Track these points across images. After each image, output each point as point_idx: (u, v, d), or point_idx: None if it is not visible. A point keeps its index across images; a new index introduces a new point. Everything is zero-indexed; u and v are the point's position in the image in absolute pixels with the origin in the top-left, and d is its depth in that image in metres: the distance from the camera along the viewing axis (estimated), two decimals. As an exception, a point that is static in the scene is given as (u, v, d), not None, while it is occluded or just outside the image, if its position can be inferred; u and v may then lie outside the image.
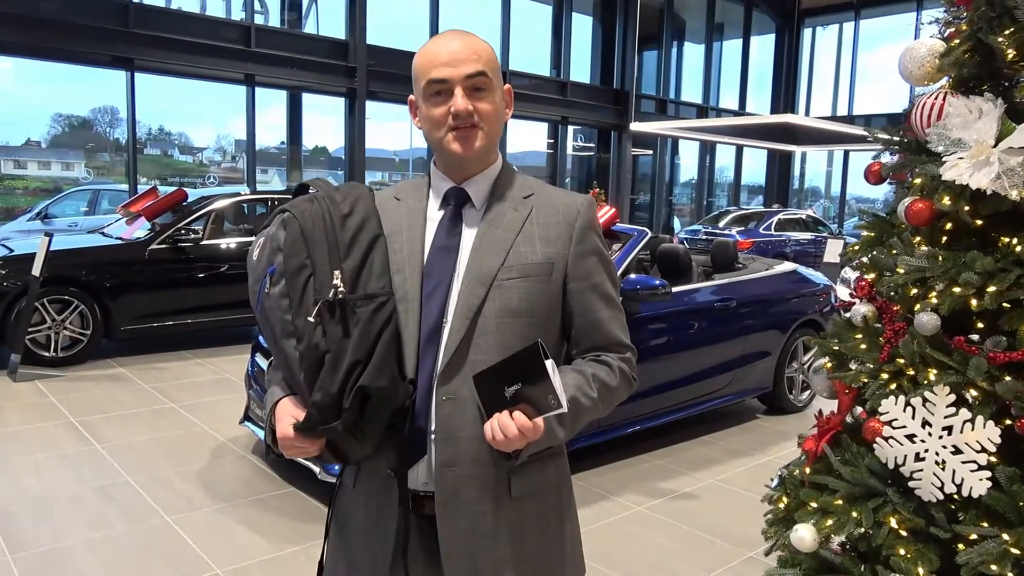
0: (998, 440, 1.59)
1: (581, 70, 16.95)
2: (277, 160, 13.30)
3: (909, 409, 1.72)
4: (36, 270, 5.47)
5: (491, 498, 1.25)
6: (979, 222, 1.78)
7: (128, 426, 4.60)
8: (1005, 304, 1.66)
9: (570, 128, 16.51)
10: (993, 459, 1.60)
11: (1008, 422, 1.63)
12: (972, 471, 1.62)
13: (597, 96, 16.75)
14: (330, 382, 1.16)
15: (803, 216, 14.20)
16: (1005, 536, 1.56)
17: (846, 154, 20.67)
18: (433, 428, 1.23)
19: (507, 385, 1.14)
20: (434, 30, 13.29)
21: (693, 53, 19.98)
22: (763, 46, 21.36)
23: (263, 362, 3.91)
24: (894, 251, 1.95)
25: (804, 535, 1.90)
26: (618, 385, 1.32)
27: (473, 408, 1.20)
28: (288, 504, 3.54)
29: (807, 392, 5.42)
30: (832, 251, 10.19)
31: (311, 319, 1.18)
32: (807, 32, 21.69)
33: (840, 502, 1.88)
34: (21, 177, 11.74)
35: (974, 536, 1.66)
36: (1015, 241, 1.69)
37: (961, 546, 1.66)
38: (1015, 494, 1.59)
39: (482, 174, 1.33)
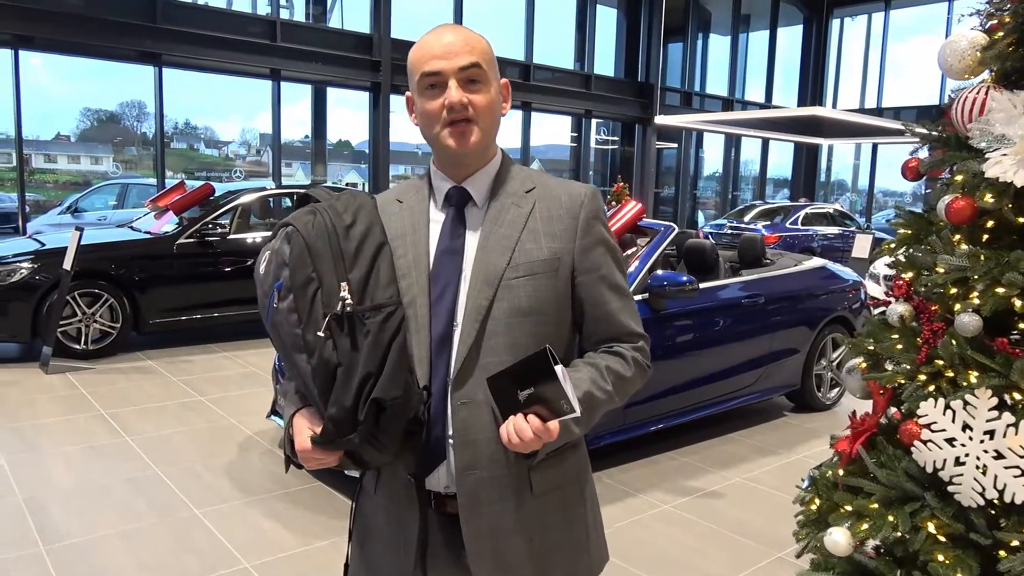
0: (1043, 445, 1.55)
1: (605, 63, 16.84)
2: (301, 154, 13.40)
3: (949, 412, 1.68)
4: (67, 264, 5.55)
5: (513, 497, 1.25)
6: (1022, 220, 1.73)
7: (157, 419, 4.66)
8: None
9: (593, 121, 16.41)
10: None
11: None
12: (1015, 476, 1.58)
13: (621, 89, 16.63)
14: (344, 395, 1.16)
15: (830, 210, 14.00)
16: (1049, 544, 1.52)
17: (874, 147, 20.35)
18: (450, 432, 1.23)
19: (520, 388, 1.13)
20: (457, 22, 13.28)
21: (719, 45, 19.77)
22: (790, 37, 21.07)
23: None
24: (933, 250, 1.91)
25: (838, 538, 1.86)
26: (633, 375, 1.31)
27: (489, 411, 1.20)
28: (315, 498, 3.56)
29: (836, 390, 5.35)
30: (861, 246, 10.03)
31: (321, 333, 1.18)
32: (835, 23, 21.35)
33: (875, 505, 1.84)
34: (51, 171, 11.94)
35: (1015, 543, 1.62)
36: (1061, 240, 1.64)
37: (1002, 553, 1.62)
38: (1059, 501, 1.55)
39: (482, 171, 1.32)
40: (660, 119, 15.52)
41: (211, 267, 6.62)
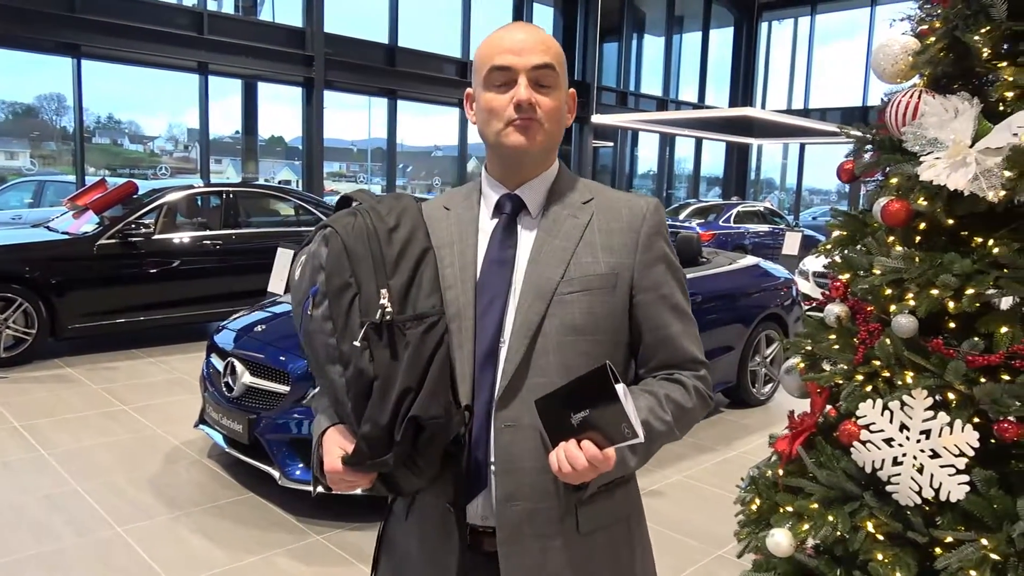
0: (976, 444, 1.57)
1: (542, 61, 16.89)
2: (231, 150, 12.98)
3: (887, 413, 1.69)
4: (-24, 267, 5.21)
5: (558, 533, 1.15)
6: (950, 222, 1.76)
7: (76, 430, 4.41)
8: (976, 305, 1.64)
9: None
10: (968, 463, 1.58)
11: (976, 421, 1.61)
12: (950, 475, 1.60)
13: (558, 87, 16.69)
14: (379, 412, 1.06)
15: (760, 208, 14.38)
16: (984, 541, 1.55)
17: (802, 147, 21.01)
18: (492, 458, 1.14)
19: (573, 411, 1.02)
20: (394, 19, 13.09)
21: (653, 46, 20.08)
22: (722, 39, 21.58)
23: (219, 363, 3.77)
24: (868, 251, 1.94)
25: (780, 540, 1.87)
26: (694, 406, 1.21)
27: (535, 436, 1.10)
28: (247, 511, 3.42)
29: (769, 385, 5.46)
30: (791, 244, 10.32)
31: (357, 343, 1.08)
32: (764, 26, 21.96)
33: (815, 506, 1.85)
34: (-39, 167, 11.25)
35: (950, 540, 1.65)
36: (991, 242, 1.68)
37: (938, 550, 1.65)
38: (992, 498, 1.58)
39: (539, 178, 1.22)
40: (597, 118, 15.66)
41: (135, 269, 6.33)
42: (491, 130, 1.18)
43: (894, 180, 1.84)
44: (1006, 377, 1.57)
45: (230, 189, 7.30)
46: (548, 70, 1.15)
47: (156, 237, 6.47)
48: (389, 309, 1.09)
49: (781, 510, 1.92)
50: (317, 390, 1.31)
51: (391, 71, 13.04)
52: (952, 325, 1.73)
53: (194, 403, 4.91)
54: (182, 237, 6.68)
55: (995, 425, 1.56)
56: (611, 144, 18.92)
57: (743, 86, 21.86)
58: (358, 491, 1.17)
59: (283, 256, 4.96)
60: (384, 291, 1.10)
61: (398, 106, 13.38)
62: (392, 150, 13.58)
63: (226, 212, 7.11)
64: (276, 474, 3.30)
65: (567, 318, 1.15)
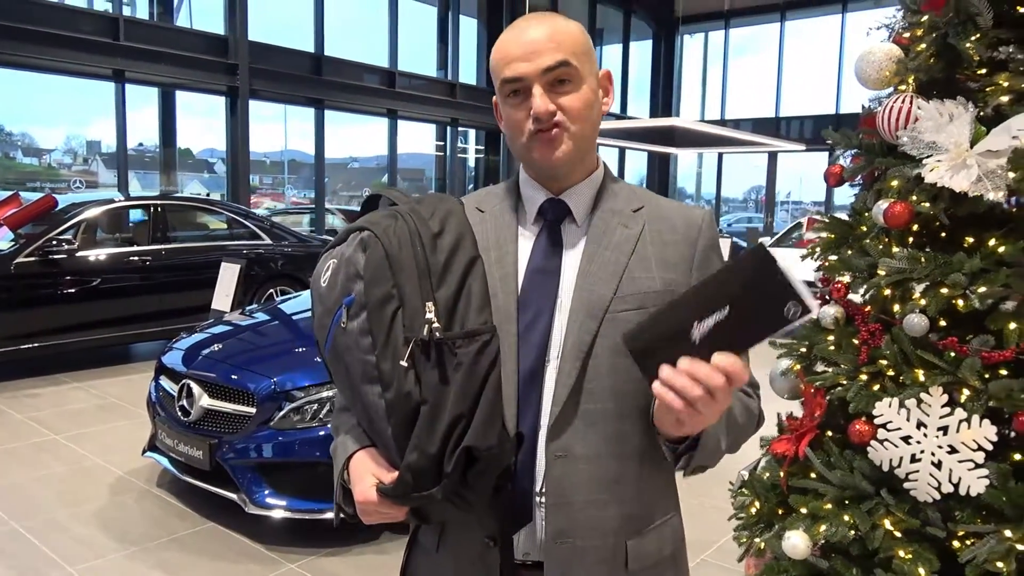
0: (995, 438, 1.62)
1: (470, 72, 16.89)
2: (139, 163, 12.31)
3: (903, 411, 1.72)
4: None
5: (607, 573, 1.07)
6: (946, 223, 1.82)
7: (5, 465, 4.07)
8: (988, 302, 1.69)
9: (459, 130, 16.41)
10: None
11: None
12: (969, 470, 1.64)
13: (487, 98, 16.72)
14: (428, 440, 0.96)
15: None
16: (1008, 533, 1.59)
17: (720, 156, 21.74)
18: (539, 489, 1.05)
19: (700, 318, 0.84)
20: (319, 27, 12.81)
21: (576, 57, 20.42)
22: (642, 52, 22.13)
23: (170, 386, 3.55)
24: (867, 253, 1.97)
25: (797, 542, 1.87)
26: (750, 424, 1.14)
27: (588, 468, 1.03)
28: (209, 542, 3.22)
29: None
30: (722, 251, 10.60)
31: (403, 363, 0.98)
32: (682, 39, 22.66)
33: (829, 506, 1.87)
34: None
35: (962, 533, 1.69)
36: (992, 242, 1.73)
37: (956, 544, 1.68)
38: (1011, 491, 1.62)
39: (584, 182, 1.13)
40: (526, 128, 15.77)
41: (56, 288, 5.92)
42: (517, 145, 1.10)
43: (895, 183, 1.88)
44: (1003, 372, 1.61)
45: (158, 203, 6.94)
46: (564, 68, 1.04)
47: (80, 254, 6.08)
48: (437, 325, 0.99)
49: (795, 512, 1.93)
50: (337, 408, 1.20)
51: (318, 80, 12.75)
52: (943, 323, 1.78)
53: (132, 429, 4.62)
54: (108, 253, 6.29)
55: (1015, 418, 1.61)
56: (538, 154, 19.10)
57: (663, 97, 22.48)
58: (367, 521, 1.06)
59: (228, 271, 4.71)
60: (430, 304, 1.00)
61: (325, 116, 13.08)
62: (320, 162, 13.25)
63: (154, 226, 6.75)
64: (242, 501, 3.11)
65: (619, 339, 1.04)
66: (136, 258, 6.42)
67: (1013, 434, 1.64)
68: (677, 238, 1.12)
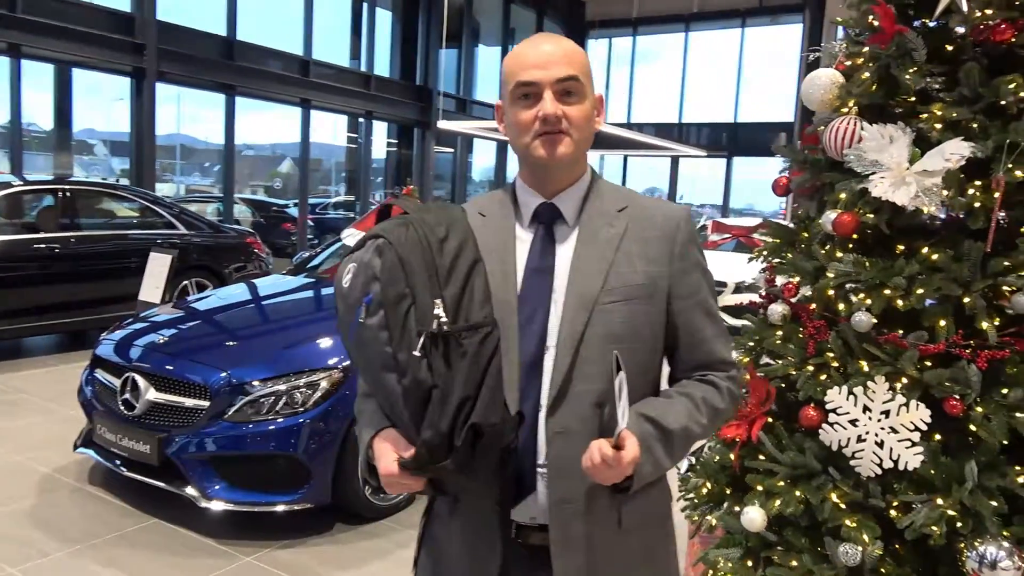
0: (929, 420, 1.87)
1: (384, 65, 16.73)
2: (31, 144, 11.52)
3: (851, 397, 1.96)
4: None
5: (603, 532, 1.22)
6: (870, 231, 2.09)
7: (-89, 463, 3.81)
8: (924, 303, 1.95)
9: (375, 123, 16.22)
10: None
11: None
12: (907, 448, 1.89)
13: (401, 92, 16.61)
14: (440, 419, 1.10)
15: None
16: (939, 501, 1.84)
17: (625, 159, 22.45)
18: (540, 462, 1.20)
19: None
20: (232, 12, 12.38)
21: (489, 55, 20.55)
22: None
23: (110, 378, 3.44)
24: (814, 257, 2.21)
25: (754, 516, 2.08)
26: (726, 407, 1.29)
27: (584, 441, 1.15)
28: (159, 538, 3.14)
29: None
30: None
31: (416, 353, 1.11)
32: (591, 43, 23.20)
33: (782, 483, 2.09)
34: None
35: (898, 503, 1.94)
36: (926, 250, 1.99)
37: (894, 513, 1.93)
38: (941, 465, 1.88)
39: (573, 187, 1.28)
40: (443, 124, 15.75)
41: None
42: (520, 143, 1.23)
43: (842, 195, 2.12)
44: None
45: (66, 187, 6.57)
46: (573, 81, 1.21)
47: (-24, 241, 5.69)
48: (444, 319, 1.13)
49: (751, 490, 2.14)
50: (360, 394, 1.32)
51: (230, 65, 12.31)
52: (875, 322, 2.03)
53: (54, 424, 4.41)
54: (10, 240, 5.92)
55: (945, 402, 1.87)
56: (451, 150, 19.11)
57: (572, 99, 22.95)
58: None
59: (158, 261, 4.54)
60: (438, 301, 1.14)
61: (236, 103, 12.64)
62: (231, 149, 12.80)
63: (62, 212, 6.39)
64: (194, 495, 3.07)
65: (609, 327, 1.20)
66: (43, 245, 6.06)
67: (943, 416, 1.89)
68: (658, 234, 1.26)
